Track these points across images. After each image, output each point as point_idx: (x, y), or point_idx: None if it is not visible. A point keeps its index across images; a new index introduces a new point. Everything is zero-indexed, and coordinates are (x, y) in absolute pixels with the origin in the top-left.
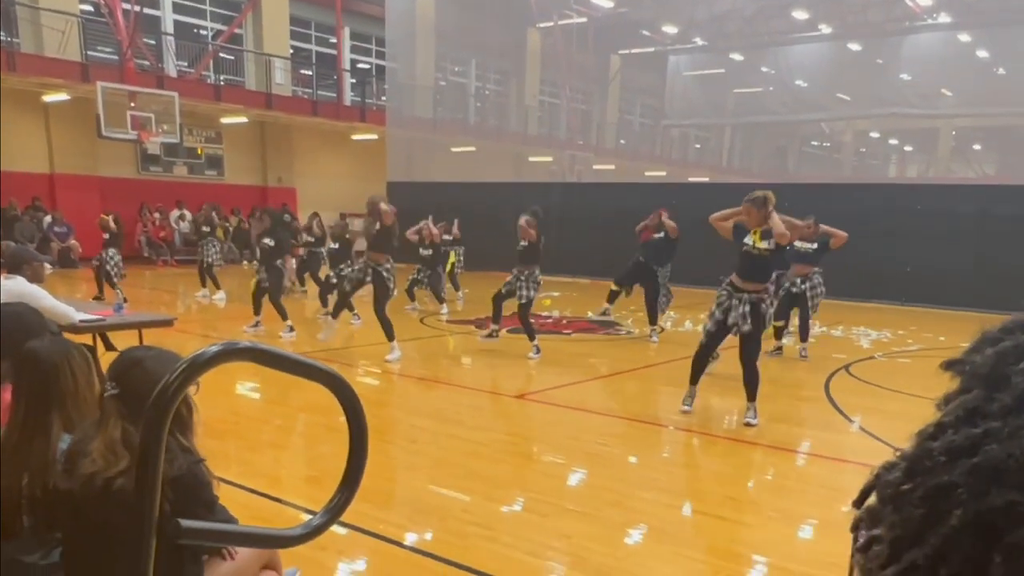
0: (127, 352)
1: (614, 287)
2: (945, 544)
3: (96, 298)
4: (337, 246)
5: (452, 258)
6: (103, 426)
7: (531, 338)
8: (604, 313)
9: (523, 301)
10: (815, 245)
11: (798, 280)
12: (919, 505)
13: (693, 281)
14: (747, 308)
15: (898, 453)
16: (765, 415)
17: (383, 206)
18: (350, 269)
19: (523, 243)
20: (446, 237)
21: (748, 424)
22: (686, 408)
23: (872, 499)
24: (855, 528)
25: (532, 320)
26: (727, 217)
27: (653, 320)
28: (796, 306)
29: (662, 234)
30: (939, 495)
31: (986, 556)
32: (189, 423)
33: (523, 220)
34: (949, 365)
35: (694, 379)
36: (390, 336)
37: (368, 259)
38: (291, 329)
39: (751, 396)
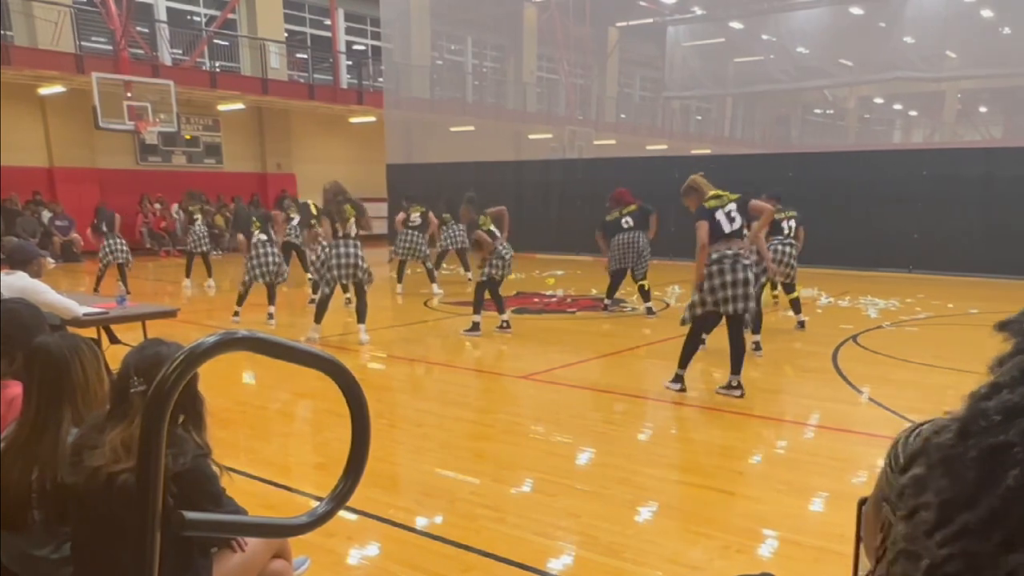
0: (150, 348)
1: (644, 284)
2: (1001, 505)
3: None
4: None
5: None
6: (127, 421)
7: (474, 311)
8: (650, 311)
9: (483, 279)
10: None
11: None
12: (972, 467)
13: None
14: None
15: (948, 415)
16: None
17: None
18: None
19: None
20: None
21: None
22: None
23: (917, 468)
24: (861, 504)
25: (504, 298)
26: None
27: (646, 297)
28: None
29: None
30: (994, 455)
31: None
32: (203, 418)
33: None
34: (1003, 326)
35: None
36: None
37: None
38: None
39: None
